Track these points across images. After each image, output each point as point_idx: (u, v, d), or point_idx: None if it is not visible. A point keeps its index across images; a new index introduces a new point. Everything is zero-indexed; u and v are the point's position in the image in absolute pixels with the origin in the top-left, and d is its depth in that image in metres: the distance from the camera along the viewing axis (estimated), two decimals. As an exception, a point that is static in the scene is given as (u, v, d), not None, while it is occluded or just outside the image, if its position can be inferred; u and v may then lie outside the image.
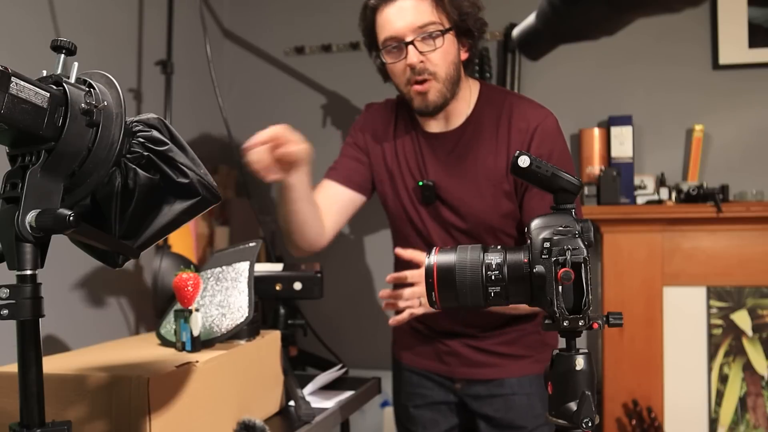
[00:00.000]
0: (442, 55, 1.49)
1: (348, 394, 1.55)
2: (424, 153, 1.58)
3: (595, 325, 0.83)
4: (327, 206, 1.60)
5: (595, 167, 2.49)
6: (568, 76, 2.61)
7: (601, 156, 2.51)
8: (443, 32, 1.48)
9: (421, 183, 1.57)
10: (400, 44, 1.49)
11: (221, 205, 2.55)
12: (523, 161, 0.86)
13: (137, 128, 0.82)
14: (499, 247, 0.89)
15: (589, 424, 0.82)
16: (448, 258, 0.89)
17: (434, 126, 1.59)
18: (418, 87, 1.49)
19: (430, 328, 1.62)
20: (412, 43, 1.47)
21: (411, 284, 1.47)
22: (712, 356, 2.40)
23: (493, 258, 0.87)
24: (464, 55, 1.56)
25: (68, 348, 1.87)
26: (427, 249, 0.93)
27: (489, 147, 1.53)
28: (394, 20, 1.48)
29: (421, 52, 1.47)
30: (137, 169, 0.81)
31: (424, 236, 1.59)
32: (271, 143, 1.38)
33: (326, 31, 2.81)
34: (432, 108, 1.52)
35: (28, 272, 0.71)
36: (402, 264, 1.65)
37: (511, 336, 1.58)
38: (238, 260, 1.37)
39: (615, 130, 2.49)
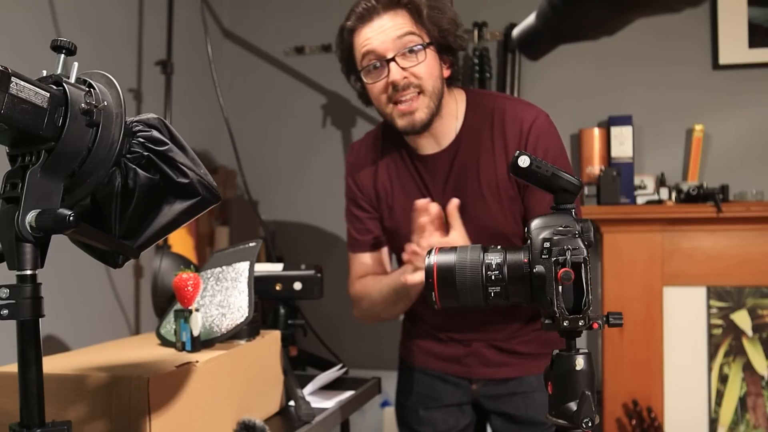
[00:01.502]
0: (426, 69, 1.45)
1: (348, 394, 1.54)
2: (423, 177, 1.55)
3: (595, 325, 0.83)
4: (378, 272, 1.64)
5: (595, 167, 2.49)
6: (568, 76, 2.61)
7: (601, 156, 2.51)
8: (424, 46, 1.44)
9: None
10: (380, 61, 1.45)
11: (221, 205, 2.56)
12: (523, 161, 0.86)
13: (137, 128, 0.82)
14: (499, 247, 0.89)
15: (589, 424, 0.82)
16: (448, 258, 0.89)
17: (426, 147, 1.54)
18: (402, 107, 1.45)
19: (446, 330, 1.61)
20: (393, 59, 1.43)
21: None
22: (712, 356, 2.40)
23: (493, 258, 0.87)
24: (446, 72, 1.52)
25: (68, 348, 1.88)
26: None
27: (487, 157, 1.50)
28: (372, 37, 1.45)
29: (403, 68, 1.43)
30: (137, 169, 0.80)
31: None
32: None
33: (326, 31, 2.80)
34: (419, 126, 1.47)
35: (28, 272, 0.71)
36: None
37: (530, 335, 1.58)
38: (238, 260, 1.37)
39: (615, 130, 2.49)
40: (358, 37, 1.48)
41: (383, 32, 1.44)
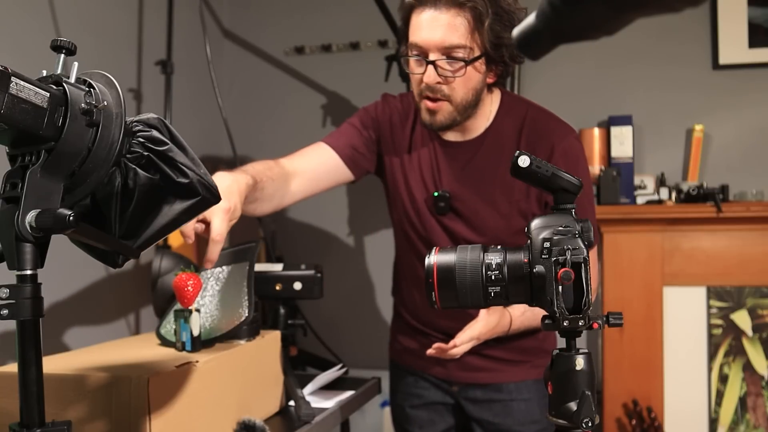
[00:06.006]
0: (462, 82, 1.42)
1: (348, 394, 1.55)
2: (439, 162, 1.54)
3: (595, 325, 0.83)
4: (306, 169, 1.54)
5: (595, 167, 2.49)
6: (568, 76, 2.61)
7: (601, 156, 2.51)
8: (468, 62, 1.40)
9: (436, 193, 1.53)
10: (422, 57, 1.42)
11: (221, 205, 2.55)
12: (523, 161, 0.86)
13: (137, 128, 0.82)
14: (499, 247, 0.89)
15: (589, 424, 0.82)
16: (448, 258, 0.89)
17: (451, 135, 1.54)
18: (429, 104, 1.44)
19: (432, 329, 1.62)
20: (434, 63, 1.40)
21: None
22: (712, 356, 2.40)
23: (493, 258, 0.87)
24: (491, 79, 1.48)
25: (68, 348, 1.87)
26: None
27: (508, 162, 1.49)
28: (424, 30, 1.40)
29: (440, 75, 1.41)
30: (137, 169, 0.80)
31: (430, 246, 1.55)
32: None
33: (326, 31, 2.81)
34: (437, 127, 1.47)
35: (28, 272, 0.71)
36: (401, 273, 1.65)
37: (510, 342, 1.57)
38: (238, 260, 1.37)
39: (615, 130, 2.49)
40: (414, 18, 1.43)
41: (434, 31, 1.39)
